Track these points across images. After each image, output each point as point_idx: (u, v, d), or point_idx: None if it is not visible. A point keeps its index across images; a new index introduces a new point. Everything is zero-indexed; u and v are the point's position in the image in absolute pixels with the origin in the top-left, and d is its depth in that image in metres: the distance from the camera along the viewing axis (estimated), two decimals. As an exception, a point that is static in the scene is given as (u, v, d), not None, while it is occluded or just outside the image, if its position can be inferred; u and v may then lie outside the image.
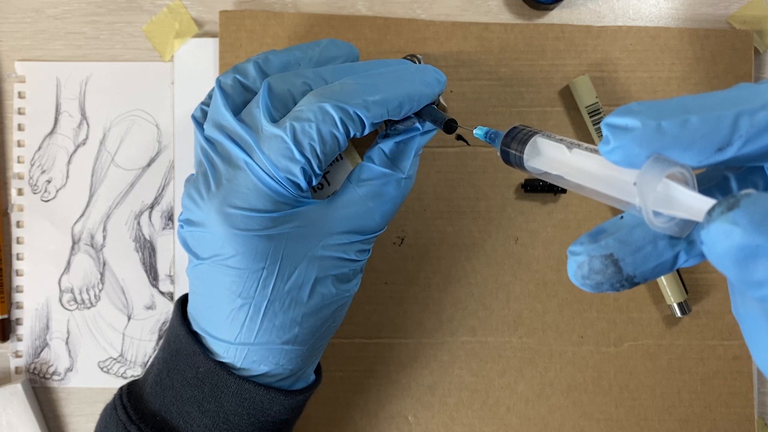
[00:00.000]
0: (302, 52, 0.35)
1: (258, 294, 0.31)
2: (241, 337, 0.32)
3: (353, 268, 0.33)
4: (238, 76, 0.33)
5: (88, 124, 0.44)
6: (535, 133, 0.27)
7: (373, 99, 0.31)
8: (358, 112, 0.31)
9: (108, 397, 0.35)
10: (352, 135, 0.31)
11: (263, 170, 0.31)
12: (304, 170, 0.31)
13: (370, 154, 0.34)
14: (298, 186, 0.31)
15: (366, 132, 0.32)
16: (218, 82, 0.33)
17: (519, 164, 0.28)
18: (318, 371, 0.37)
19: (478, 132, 0.31)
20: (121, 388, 0.35)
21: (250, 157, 0.31)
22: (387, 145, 0.34)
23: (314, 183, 0.32)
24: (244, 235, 0.30)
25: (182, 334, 0.33)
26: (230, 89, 0.33)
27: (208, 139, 0.33)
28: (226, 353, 0.32)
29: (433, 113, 0.33)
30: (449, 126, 0.32)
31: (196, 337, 0.33)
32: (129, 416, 0.32)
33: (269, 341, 0.32)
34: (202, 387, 0.32)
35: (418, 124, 0.34)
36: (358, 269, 0.34)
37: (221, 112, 0.32)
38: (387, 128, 0.35)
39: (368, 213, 0.33)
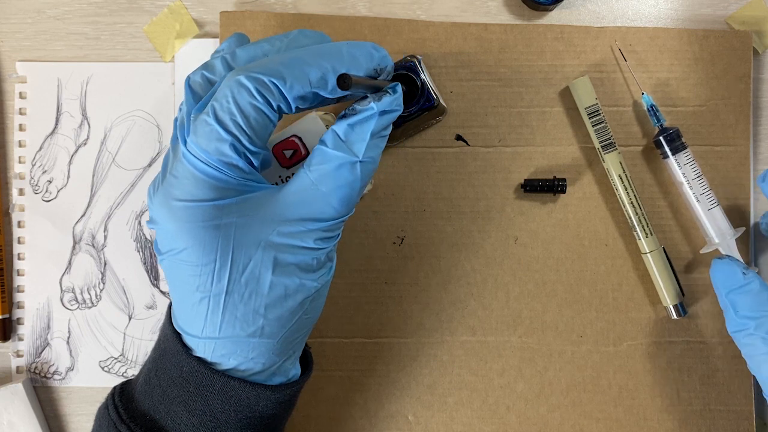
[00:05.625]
0: (270, 44, 0.34)
1: (215, 286, 0.31)
2: (206, 331, 0.31)
3: (316, 256, 0.32)
4: (205, 73, 0.33)
5: (89, 125, 0.44)
6: None
7: (292, 71, 0.30)
8: (275, 81, 0.30)
9: (109, 397, 0.35)
10: (275, 106, 0.30)
11: (196, 157, 0.30)
12: (234, 148, 0.30)
13: (324, 137, 0.33)
14: (237, 168, 0.30)
15: (293, 106, 0.31)
16: (187, 79, 0.33)
17: None
18: (308, 365, 0.36)
19: None
20: (114, 388, 0.34)
21: (186, 147, 0.30)
22: (340, 127, 0.32)
23: (256, 163, 0.31)
24: (190, 227, 0.30)
25: (169, 333, 0.33)
26: (198, 86, 0.33)
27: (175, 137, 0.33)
28: (197, 348, 0.32)
29: (368, 85, 0.32)
30: (343, 81, 0.29)
31: (180, 336, 0.33)
32: (119, 416, 0.32)
33: (234, 334, 0.31)
34: (187, 386, 0.32)
35: (373, 104, 0.32)
36: (323, 258, 0.32)
37: (182, 108, 0.32)
38: (345, 110, 0.34)
39: (323, 199, 0.31)
